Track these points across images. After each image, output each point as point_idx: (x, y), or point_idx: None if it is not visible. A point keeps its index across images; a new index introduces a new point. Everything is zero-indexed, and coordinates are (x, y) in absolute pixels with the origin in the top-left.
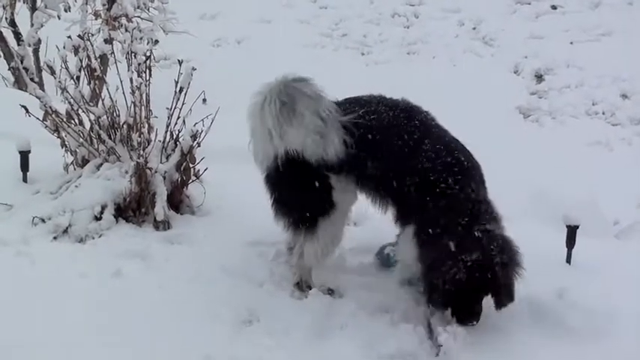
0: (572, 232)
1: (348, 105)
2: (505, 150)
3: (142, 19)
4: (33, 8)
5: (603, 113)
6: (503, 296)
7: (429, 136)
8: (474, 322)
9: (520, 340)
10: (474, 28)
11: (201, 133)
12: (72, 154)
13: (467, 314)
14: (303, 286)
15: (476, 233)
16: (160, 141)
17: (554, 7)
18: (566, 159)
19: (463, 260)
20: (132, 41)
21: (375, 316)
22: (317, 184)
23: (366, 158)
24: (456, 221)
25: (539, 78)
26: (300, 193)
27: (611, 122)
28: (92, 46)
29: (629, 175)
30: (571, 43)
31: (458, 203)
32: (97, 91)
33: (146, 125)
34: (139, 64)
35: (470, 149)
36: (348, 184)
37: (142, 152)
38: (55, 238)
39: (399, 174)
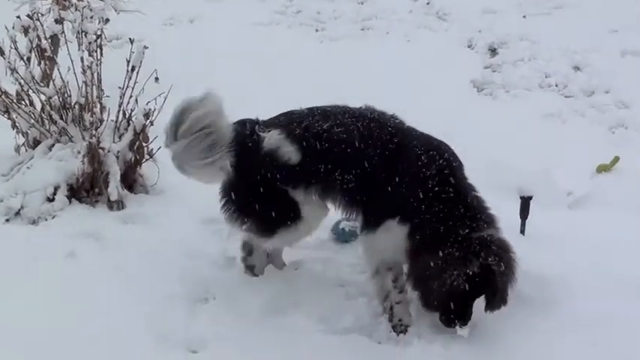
0: (525, 203)
1: (312, 118)
2: (460, 123)
3: None
4: None
5: (556, 86)
6: (497, 301)
7: (411, 139)
8: (464, 325)
9: (474, 310)
10: (428, 3)
11: (153, 112)
12: (23, 136)
13: (459, 318)
14: (245, 249)
15: (475, 241)
16: (112, 120)
17: None
18: (520, 131)
19: (464, 270)
20: (82, 20)
21: (330, 291)
22: (275, 196)
23: (334, 171)
24: (454, 227)
25: (493, 52)
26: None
27: (564, 94)
28: (42, 26)
29: (583, 147)
30: (524, 16)
31: (454, 208)
32: (48, 72)
33: (98, 105)
34: (90, 44)
35: (427, 123)
36: (311, 197)
37: (94, 132)
38: (7, 220)
39: (382, 181)
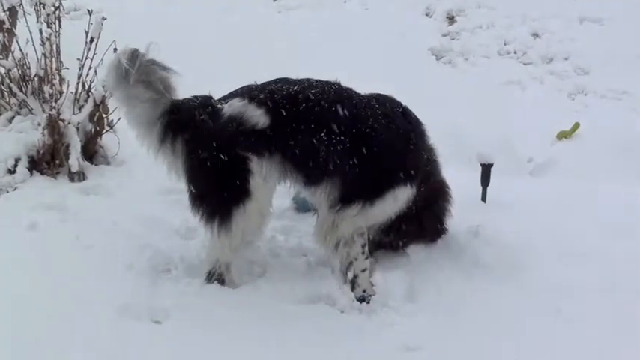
0: (486, 170)
1: (274, 85)
2: (419, 92)
3: None
4: None
5: (515, 53)
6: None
7: (373, 103)
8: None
9: (437, 279)
10: None
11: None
12: None
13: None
14: (212, 277)
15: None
16: (72, 92)
17: None
18: (479, 99)
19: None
20: None
21: (292, 260)
22: (232, 167)
23: (316, 133)
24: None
25: (451, 19)
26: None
27: (522, 61)
28: None
29: (542, 113)
30: None
31: (433, 161)
32: (7, 44)
33: (57, 77)
34: (49, 15)
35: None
36: (272, 166)
37: (54, 104)
38: None
39: (385, 148)
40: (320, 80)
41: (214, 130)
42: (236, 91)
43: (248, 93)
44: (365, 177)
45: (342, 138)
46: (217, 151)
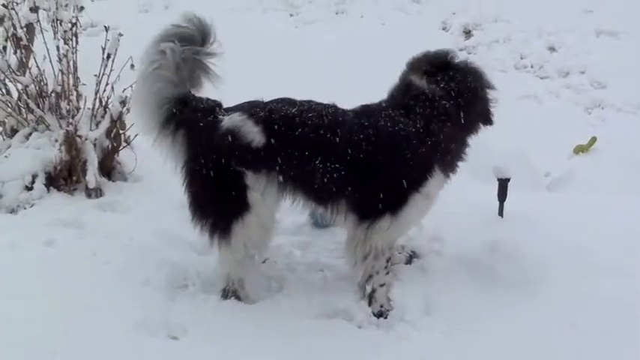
0: (503, 185)
1: (275, 105)
2: None
3: None
4: None
5: (532, 67)
6: None
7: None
8: None
9: (454, 294)
10: None
11: (130, 99)
12: (0, 125)
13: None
14: (227, 294)
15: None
16: (89, 108)
17: None
18: (496, 113)
19: None
20: (57, 9)
21: (309, 276)
22: (228, 180)
23: (314, 157)
24: None
25: (468, 34)
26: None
27: (539, 75)
28: (17, 15)
29: (559, 127)
30: None
31: None
32: (24, 60)
33: (74, 93)
34: (66, 32)
35: None
36: (273, 183)
37: (71, 120)
38: None
39: (394, 161)
40: (319, 104)
41: (211, 139)
42: (242, 105)
43: (250, 109)
44: (381, 191)
45: (338, 165)
46: (213, 161)
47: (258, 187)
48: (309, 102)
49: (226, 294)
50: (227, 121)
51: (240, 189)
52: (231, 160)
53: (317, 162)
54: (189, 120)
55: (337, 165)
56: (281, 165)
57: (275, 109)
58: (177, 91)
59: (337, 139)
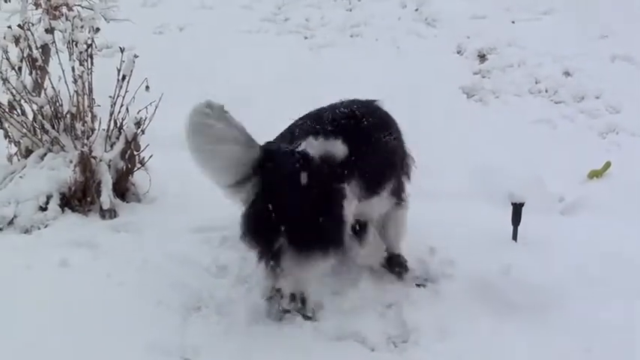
0: (517, 209)
1: (322, 114)
2: (450, 130)
3: (82, 7)
4: None
5: (546, 91)
6: None
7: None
8: None
9: (467, 318)
10: (417, 10)
11: (145, 121)
12: (15, 145)
13: None
14: (297, 298)
15: None
16: (103, 129)
17: None
18: (510, 137)
19: None
20: (73, 30)
21: (322, 297)
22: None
23: (373, 157)
24: None
25: (482, 58)
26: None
27: (554, 100)
28: (33, 35)
29: (573, 152)
30: (513, 22)
31: None
32: (40, 81)
33: (89, 114)
34: (81, 53)
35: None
36: (353, 192)
37: (85, 141)
38: (0, 229)
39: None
40: (339, 103)
41: (314, 171)
42: (289, 132)
43: (313, 130)
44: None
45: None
46: (321, 189)
47: (351, 198)
48: (332, 106)
49: (296, 299)
50: (312, 149)
51: (341, 204)
52: (334, 180)
53: (377, 153)
54: (283, 165)
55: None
56: (360, 166)
57: (333, 118)
58: (253, 148)
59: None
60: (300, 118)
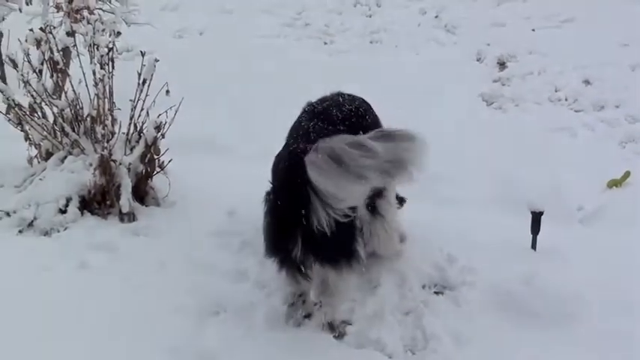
0: (536, 218)
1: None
2: (469, 137)
3: (103, 11)
4: None
5: (566, 99)
6: None
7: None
8: None
9: (486, 327)
10: (436, 16)
11: (165, 125)
12: (36, 148)
13: None
14: (336, 327)
15: None
16: (123, 133)
17: None
18: (529, 145)
19: None
20: (94, 33)
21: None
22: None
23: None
24: None
25: (502, 65)
26: None
27: (574, 108)
28: (54, 38)
29: (593, 161)
30: (533, 30)
31: None
32: (60, 84)
33: (110, 117)
34: (102, 56)
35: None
36: None
37: (105, 144)
38: (20, 231)
39: None
40: (340, 93)
41: None
42: (305, 133)
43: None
44: None
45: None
46: None
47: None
48: (341, 96)
49: (335, 328)
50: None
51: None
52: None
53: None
54: None
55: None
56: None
57: (344, 116)
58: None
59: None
60: (307, 117)
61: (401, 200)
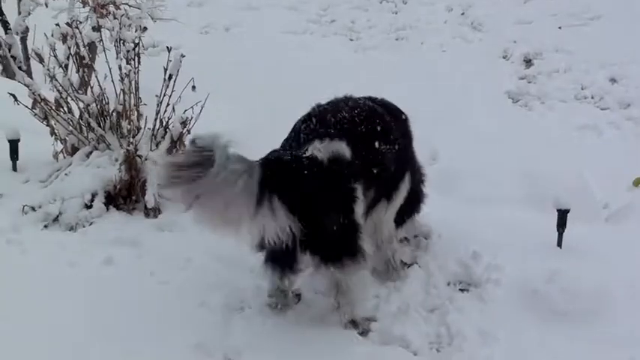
0: (562, 215)
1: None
2: (495, 135)
3: (130, 6)
4: None
5: (592, 97)
6: None
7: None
8: None
9: (511, 324)
10: (463, 14)
11: (190, 120)
12: (61, 143)
13: None
14: (360, 324)
15: None
16: (149, 128)
17: None
18: (555, 143)
19: None
20: (120, 28)
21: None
22: (346, 200)
23: (369, 155)
24: None
25: (528, 63)
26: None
27: (600, 106)
28: (80, 33)
29: (618, 159)
30: (559, 27)
31: None
32: (86, 79)
33: (135, 113)
34: (128, 52)
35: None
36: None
37: (131, 140)
38: (45, 226)
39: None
40: (346, 98)
41: (323, 175)
42: (296, 136)
43: (316, 133)
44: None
45: (389, 147)
46: (333, 193)
47: (361, 197)
48: (337, 101)
49: (358, 325)
50: (319, 153)
51: (353, 206)
52: (349, 181)
53: (378, 150)
54: (292, 174)
55: (387, 148)
56: (363, 168)
57: (336, 121)
58: (255, 168)
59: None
60: (307, 119)
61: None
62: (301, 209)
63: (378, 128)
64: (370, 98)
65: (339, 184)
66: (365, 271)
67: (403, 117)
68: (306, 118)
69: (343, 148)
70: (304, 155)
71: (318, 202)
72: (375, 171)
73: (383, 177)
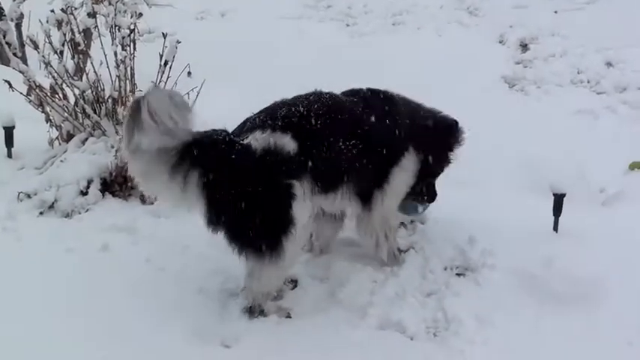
0: (559, 200)
1: (280, 110)
2: (491, 119)
3: None
4: None
5: (588, 82)
6: None
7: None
8: None
9: (508, 309)
10: None
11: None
12: (57, 129)
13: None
14: (256, 311)
15: None
16: None
17: None
18: (552, 128)
19: None
20: (115, 15)
21: (363, 286)
22: (276, 197)
23: (321, 150)
24: None
25: (524, 47)
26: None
27: (596, 91)
28: (76, 20)
29: (615, 143)
30: (555, 12)
31: None
32: (82, 66)
33: (131, 99)
34: (123, 38)
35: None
36: (307, 189)
37: None
38: (41, 213)
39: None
40: (311, 93)
41: (253, 164)
42: (245, 125)
43: (262, 124)
44: (372, 168)
45: (353, 142)
46: (261, 184)
47: (303, 195)
48: (300, 96)
49: (254, 312)
50: (256, 142)
51: (288, 202)
52: (280, 175)
53: (336, 146)
54: (214, 156)
55: (348, 144)
56: (312, 162)
57: (286, 114)
58: (180, 135)
59: (346, 120)
60: (268, 109)
61: (429, 197)
62: (221, 190)
63: (344, 124)
64: (370, 90)
65: (268, 175)
66: (281, 268)
67: (402, 109)
68: (261, 110)
69: (285, 142)
70: (240, 141)
71: (239, 189)
72: (341, 166)
73: (358, 171)
